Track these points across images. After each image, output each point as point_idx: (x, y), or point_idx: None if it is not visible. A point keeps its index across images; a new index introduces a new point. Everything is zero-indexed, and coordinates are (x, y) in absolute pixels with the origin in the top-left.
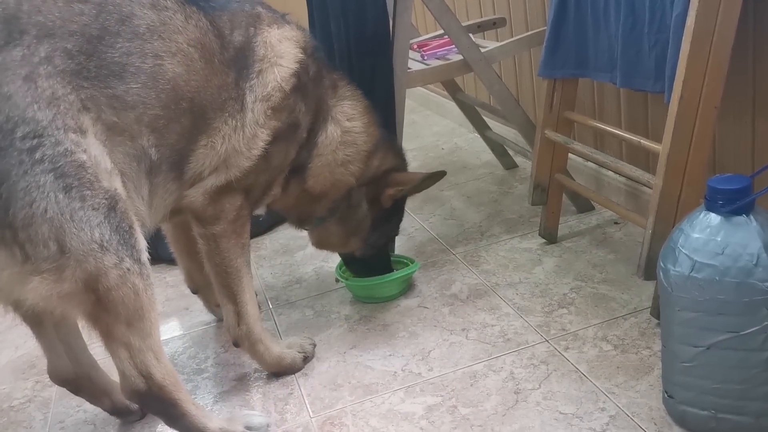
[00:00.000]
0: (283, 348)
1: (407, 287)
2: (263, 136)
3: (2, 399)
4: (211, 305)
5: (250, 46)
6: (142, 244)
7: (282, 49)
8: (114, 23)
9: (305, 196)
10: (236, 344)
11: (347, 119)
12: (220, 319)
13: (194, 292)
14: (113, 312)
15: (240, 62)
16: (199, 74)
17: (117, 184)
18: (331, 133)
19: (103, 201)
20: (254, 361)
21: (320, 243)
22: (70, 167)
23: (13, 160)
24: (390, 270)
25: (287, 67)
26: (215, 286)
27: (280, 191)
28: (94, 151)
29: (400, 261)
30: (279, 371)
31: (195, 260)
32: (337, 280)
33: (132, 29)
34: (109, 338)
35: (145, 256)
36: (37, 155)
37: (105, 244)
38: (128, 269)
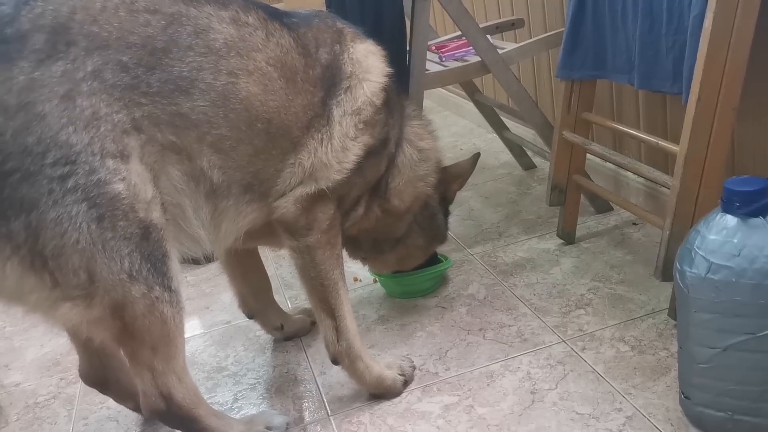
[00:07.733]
0: (383, 368)
1: (441, 282)
2: (355, 149)
3: (27, 395)
4: (270, 328)
5: (337, 64)
6: (175, 270)
7: (369, 64)
8: (186, 36)
9: (387, 217)
10: (335, 361)
11: (420, 139)
12: (279, 339)
13: (249, 317)
14: (138, 338)
15: (327, 80)
16: (278, 94)
17: (155, 214)
18: (408, 154)
19: (137, 230)
20: (353, 380)
21: (401, 262)
22: (104, 198)
23: (43, 188)
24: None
25: (376, 81)
26: (311, 301)
27: (362, 212)
28: (133, 179)
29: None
30: (378, 392)
31: (249, 285)
32: (375, 281)
33: (206, 43)
34: (133, 360)
35: (176, 283)
36: (69, 184)
37: (134, 273)
38: (157, 297)
